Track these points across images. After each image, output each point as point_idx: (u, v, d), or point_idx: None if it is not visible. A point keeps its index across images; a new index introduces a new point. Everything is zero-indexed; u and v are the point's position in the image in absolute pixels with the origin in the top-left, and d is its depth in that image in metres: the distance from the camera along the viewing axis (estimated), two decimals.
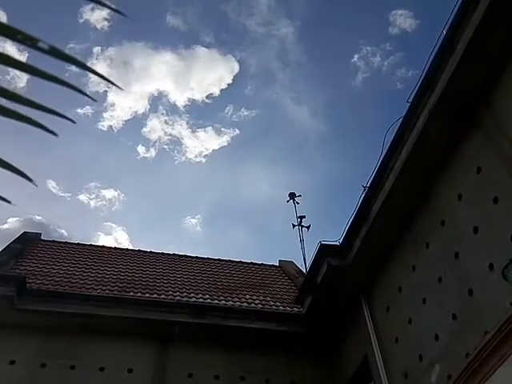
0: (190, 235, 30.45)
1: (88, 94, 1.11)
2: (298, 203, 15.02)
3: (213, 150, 27.91)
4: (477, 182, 6.63)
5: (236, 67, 25.94)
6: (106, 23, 24.75)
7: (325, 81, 28.88)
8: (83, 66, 1.04)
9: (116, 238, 29.50)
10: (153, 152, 27.57)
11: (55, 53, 1.01)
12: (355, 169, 26.02)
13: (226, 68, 27.19)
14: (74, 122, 1.11)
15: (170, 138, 27.54)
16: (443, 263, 7.06)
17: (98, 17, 24.08)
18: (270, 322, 9.53)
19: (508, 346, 5.17)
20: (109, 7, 1.07)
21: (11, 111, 1.05)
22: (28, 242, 11.72)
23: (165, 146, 28.73)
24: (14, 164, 1.13)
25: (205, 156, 28.56)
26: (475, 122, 6.68)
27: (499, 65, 6.23)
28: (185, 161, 28.32)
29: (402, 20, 27.20)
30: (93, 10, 23.80)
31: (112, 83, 1.11)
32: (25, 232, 12.45)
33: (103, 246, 13.39)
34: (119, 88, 1.11)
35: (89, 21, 24.20)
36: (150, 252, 13.35)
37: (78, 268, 10.78)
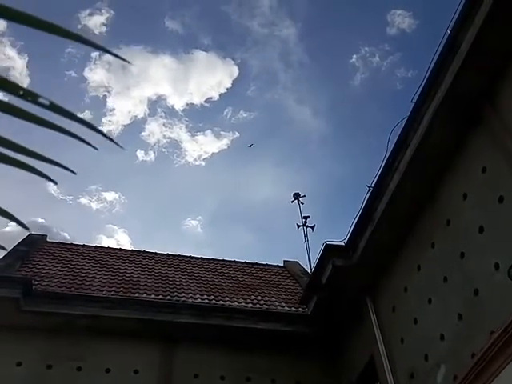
0: (190, 237, 30.54)
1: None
2: (302, 203, 15.04)
3: (212, 153, 28.05)
4: (482, 181, 6.60)
5: (235, 70, 25.99)
6: (104, 28, 24.89)
7: (327, 81, 28.87)
8: (84, 123, 1.07)
9: (118, 240, 29.60)
10: (152, 155, 27.67)
11: (55, 108, 1.07)
12: (359, 169, 25.99)
13: (225, 72, 27.22)
14: (74, 173, 1.15)
15: (168, 141, 27.68)
16: (448, 263, 7.04)
17: (96, 22, 24.22)
18: (275, 322, 9.53)
19: None
20: (111, 53, 1.08)
21: (12, 159, 1.09)
22: (33, 244, 11.76)
23: (164, 150, 28.88)
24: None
25: (204, 159, 28.66)
26: (480, 121, 6.66)
27: (503, 64, 6.21)
28: (184, 164, 28.43)
29: (401, 20, 27.18)
30: (91, 15, 23.90)
31: (113, 142, 1.14)
32: (30, 234, 12.46)
33: (108, 248, 13.41)
34: (119, 146, 1.15)
35: (87, 26, 24.29)
36: (155, 253, 13.35)
37: (84, 269, 10.81)
